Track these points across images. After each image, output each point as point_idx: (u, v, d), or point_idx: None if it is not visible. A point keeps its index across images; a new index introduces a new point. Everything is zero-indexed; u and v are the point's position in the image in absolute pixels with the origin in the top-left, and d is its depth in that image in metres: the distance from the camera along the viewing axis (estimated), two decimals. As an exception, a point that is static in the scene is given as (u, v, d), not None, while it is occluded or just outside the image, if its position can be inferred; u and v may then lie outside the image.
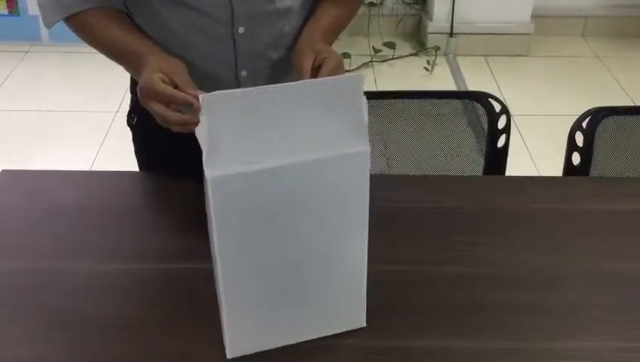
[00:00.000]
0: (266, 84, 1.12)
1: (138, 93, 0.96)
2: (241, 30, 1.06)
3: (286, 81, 1.16)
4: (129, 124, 1.25)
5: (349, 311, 0.88)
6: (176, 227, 1.08)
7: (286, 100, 0.74)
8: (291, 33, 1.12)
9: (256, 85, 1.11)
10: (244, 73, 1.11)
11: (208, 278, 0.97)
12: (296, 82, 0.77)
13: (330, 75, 0.95)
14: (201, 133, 0.76)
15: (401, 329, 0.90)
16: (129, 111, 1.25)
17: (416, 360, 0.86)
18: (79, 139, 2.76)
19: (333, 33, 1.13)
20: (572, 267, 1.01)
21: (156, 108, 0.93)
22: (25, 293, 0.96)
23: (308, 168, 0.76)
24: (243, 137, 0.74)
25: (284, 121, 0.75)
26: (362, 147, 0.77)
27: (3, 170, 1.22)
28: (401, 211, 1.11)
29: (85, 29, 1.07)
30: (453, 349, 0.88)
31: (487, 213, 1.13)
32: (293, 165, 0.75)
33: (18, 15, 3.39)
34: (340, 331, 0.89)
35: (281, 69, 1.15)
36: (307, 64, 0.97)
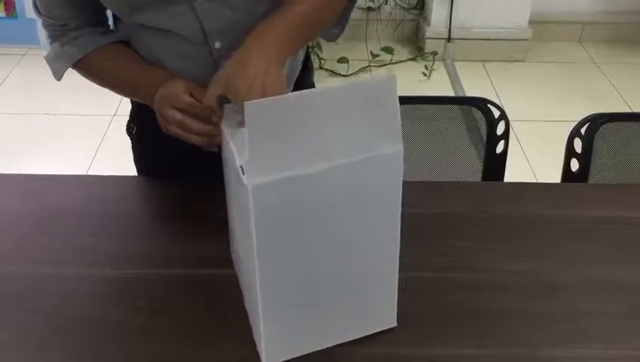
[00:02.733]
0: None
1: (156, 101, 0.95)
2: (217, 45, 1.04)
3: None
4: (128, 133, 1.25)
5: (381, 311, 0.89)
6: (174, 232, 1.08)
7: (322, 104, 0.74)
8: None
9: None
10: None
11: (208, 284, 0.97)
12: (332, 86, 0.76)
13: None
14: (238, 141, 0.76)
15: (406, 336, 0.89)
16: (128, 120, 1.25)
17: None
18: (76, 143, 2.75)
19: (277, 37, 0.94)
20: (572, 274, 1.01)
21: (177, 116, 0.92)
22: (21, 298, 0.95)
23: (345, 171, 0.76)
24: (281, 144, 0.74)
25: (320, 125, 0.75)
26: (396, 147, 0.77)
27: (-1, 174, 1.21)
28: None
29: (92, 72, 1.09)
30: (455, 356, 0.87)
31: (486, 219, 1.12)
32: (330, 169, 0.75)
33: (16, 18, 3.38)
34: (372, 331, 0.89)
35: None
36: (210, 93, 0.90)
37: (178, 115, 0.92)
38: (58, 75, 1.10)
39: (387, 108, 0.77)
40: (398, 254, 0.85)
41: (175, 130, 0.94)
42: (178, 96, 0.93)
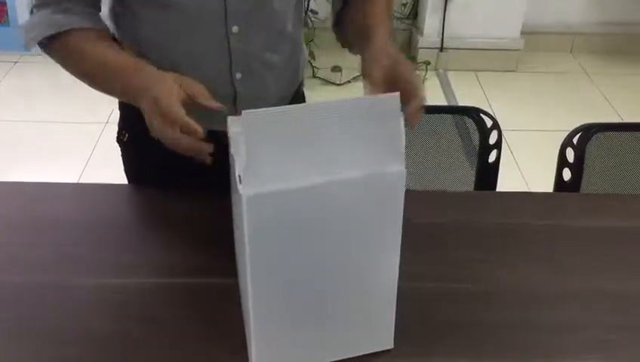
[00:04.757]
0: (262, 88, 1.13)
1: (146, 105, 0.91)
2: (235, 30, 1.04)
3: (281, 85, 1.16)
4: (119, 140, 1.24)
5: (377, 332, 0.87)
6: (166, 241, 1.07)
7: (323, 119, 0.73)
8: (286, 35, 1.12)
9: (251, 89, 1.11)
10: (238, 76, 1.09)
11: (201, 293, 0.96)
12: (334, 100, 0.76)
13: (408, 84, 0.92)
14: (236, 150, 0.76)
15: (400, 346, 0.89)
16: (119, 128, 1.23)
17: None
18: (68, 150, 2.74)
19: (391, 29, 1.10)
20: (564, 284, 1.01)
21: (167, 134, 0.89)
22: (11, 307, 0.94)
23: (343, 187, 0.75)
24: (278, 155, 0.73)
25: (320, 139, 0.74)
26: (398, 166, 0.76)
27: (-10, 182, 1.20)
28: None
29: (71, 52, 1.03)
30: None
31: (479, 229, 1.12)
32: (327, 184, 0.74)
33: (8, 25, 3.38)
34: (367, 352, 0.88)
35: (277, 72, 1.14)
36: (377, 75, 0.93)
37: (168, 133, 0.89)
38: (33, 42, 1.02)
39: (390, 125, 0.76)
40: (396, 275, 0.83)
41: (160, 138, 0.91)
42: (170, 108, 0.89)
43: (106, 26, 1.07)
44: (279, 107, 0.75)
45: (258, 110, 0.71)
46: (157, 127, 0.91)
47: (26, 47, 1.04)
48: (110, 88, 1.03)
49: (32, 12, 1.04)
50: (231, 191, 0.86)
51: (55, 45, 1.02)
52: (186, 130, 0.89)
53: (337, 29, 1.17)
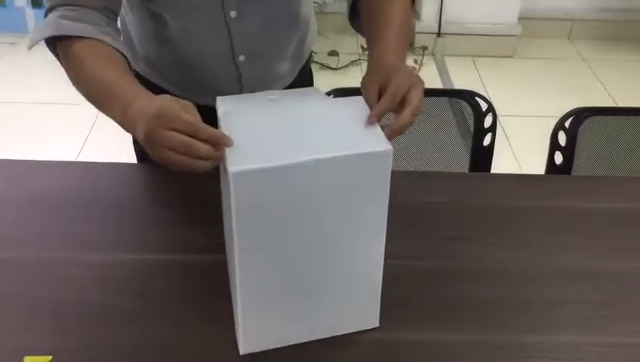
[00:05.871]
0: (266, 67, 1.15)
1: (148, 125, 0.80)
2: (233, 14, 1.05)
3: (286, 61, 1.17)
4: None
5: (363, 311, 0.89)
6: (164, 219, 1.08)
7: (308, 99, 0.74)
8: (286, 11, 1.13)
9: (255, 69, 1.12)
10: (241, 58, 1.11)
11: (197, 269, 0.98)
12: (320, 93, 0.77)
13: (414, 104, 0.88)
14: (225, 128, 0.77)
15: (389, 322, 0.90)
16: None
17: (402, 353, 0.88)
18: (65, 132, 2.75)
19: (403, 46, 1.02)
20: (553, 263, 1.03)
21: (179, 137, 0.77)
22: (8, 283, 0.96)
23: (330, 165, 0.75)
24: (264, 134, 0.74)
25: (306, 119, 0.75)
26: (384, 146, 0.77)
27: (-11, 160, 1.21)
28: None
29: (72, 59, 0.96)
30: (433, 342, 0.89)
31: (471, 209, 1.14)
32: (315, 162, 0.74)
33: (4, 6, 3.36)
34: (353, 330, 0.89)
35: (277, 50, 1.15)
36: (372, 96, 0.87)
37: (181, 136, 0.77)
38: (34, 41, 0.96)
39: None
40: (382, 255, 0.84)
41: (175, 158, 0.78)
42: (178, 117, 0.78)
43: (119, 44, 0.98)
44: (265, 91, 0.76)
45: (246, 94, 0.73)
46: (164, 138, 0.78)
47: (29, 48, 0.98)
48: (101, 103, 0.96)
49: (45, 15, 0.99)
50: (220, 170, 0.87)
51: (58, 48, 0.97)
52: (210, 139, 0.77)
53: (353, 21, 1.13)
